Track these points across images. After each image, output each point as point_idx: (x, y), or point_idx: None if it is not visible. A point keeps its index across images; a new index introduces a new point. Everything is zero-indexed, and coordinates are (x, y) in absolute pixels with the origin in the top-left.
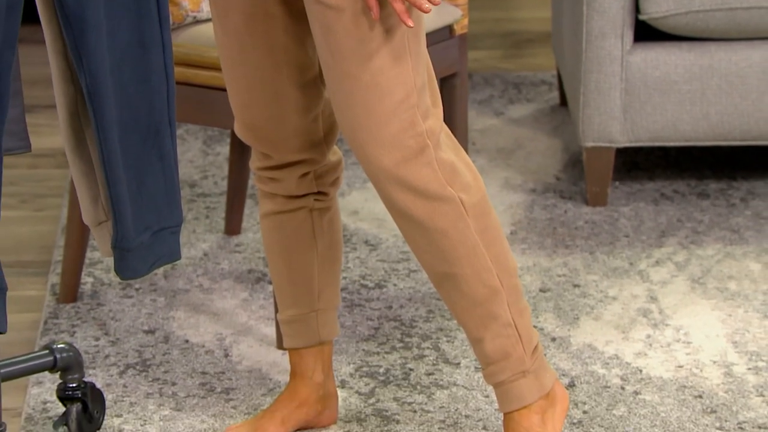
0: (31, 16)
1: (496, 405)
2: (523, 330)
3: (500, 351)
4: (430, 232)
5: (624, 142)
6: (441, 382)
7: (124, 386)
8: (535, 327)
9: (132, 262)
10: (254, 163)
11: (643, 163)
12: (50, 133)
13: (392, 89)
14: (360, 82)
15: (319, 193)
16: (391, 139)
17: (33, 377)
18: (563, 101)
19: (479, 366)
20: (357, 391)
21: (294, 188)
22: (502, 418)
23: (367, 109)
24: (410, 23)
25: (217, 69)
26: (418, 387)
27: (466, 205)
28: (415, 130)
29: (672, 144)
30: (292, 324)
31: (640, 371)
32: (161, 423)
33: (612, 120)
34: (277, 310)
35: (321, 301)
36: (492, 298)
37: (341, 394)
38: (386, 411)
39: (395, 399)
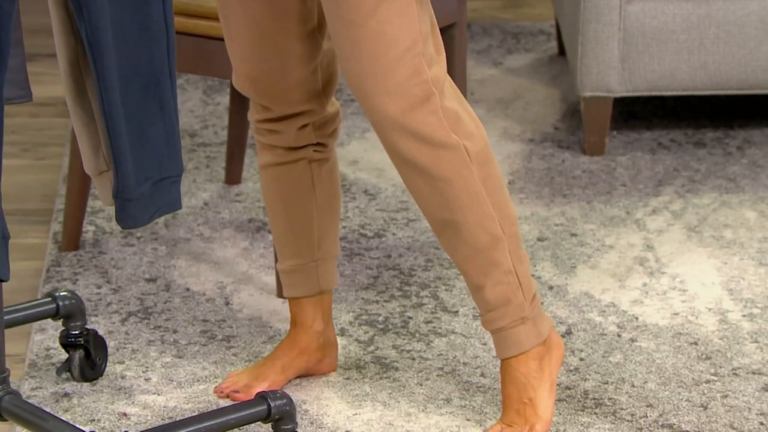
0: None
1: (493, 353)
2: (523, 277)
3: (501, 297)
4: (434, 179)
5: (622, 92)
6: (439, 330)
7: (126, 333)
8: (532, 276)
9: (133, 212)
10: (253, 115)
11: (640, 113)
12: (51, 81)
13: (398, 37)
14: (366, 30)
15: (318, 144)
16: (397, 88)
17: (36, 324)
18: (561, 51)
19: (477, 314)
20: (356, 339)
21: (293, 140)
22: (500, 365)
23: (373, 58)
24: None
25: (217, 19)
26: (417, 335)
27: (470, 152)
28: (421, 77)
29: (669, 93)
30: (292, 274)
31: (636, 319)
32: (163, 370)
33: (610, 70)
34: (276, 260)
35: (321, 250)
36: (494, 245)
37: (341, 342)
38: (385, 359)
39: (394, 347)
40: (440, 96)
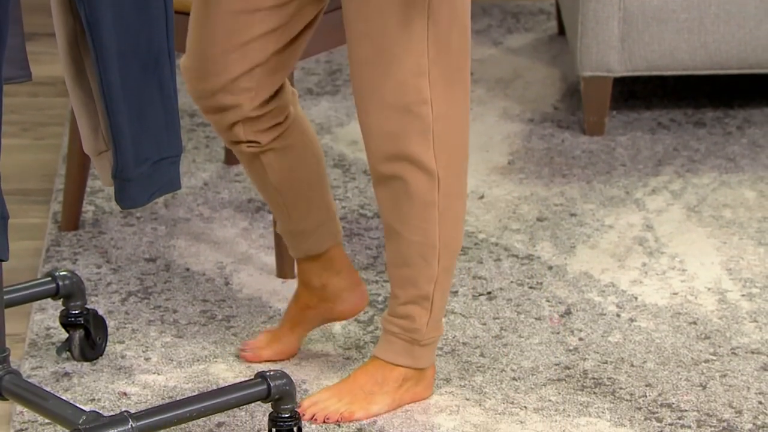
0: None
1: (493, 332)
2: (436, 308)
3: (408, 313)
4: (399, 192)
5: (622, 72)
6: None
7: (126, 313)
8: (532, 256)
9: (132, 192)
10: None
11: (640, 93)
12: (50, 61)
13: (402, 57)
14: (374, 44)
15: (250, 142)
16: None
17: (36, 304)
18: (561, 30)
19: (476, 294)
20: (356, 319)
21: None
22: (370, 356)
23: (379, 73)
24: None
25: None
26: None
27: (441, 183)
28: (421, 96)
29: (669, 73)
30: (285, 235)
31: (636, 299)
32: (163, 350)
33: (610, 49)
34: (275, 227)
35: (323, 212)
36: (422, 271)
37: (341, 322)
38: None
39: None
40: (434, 120)
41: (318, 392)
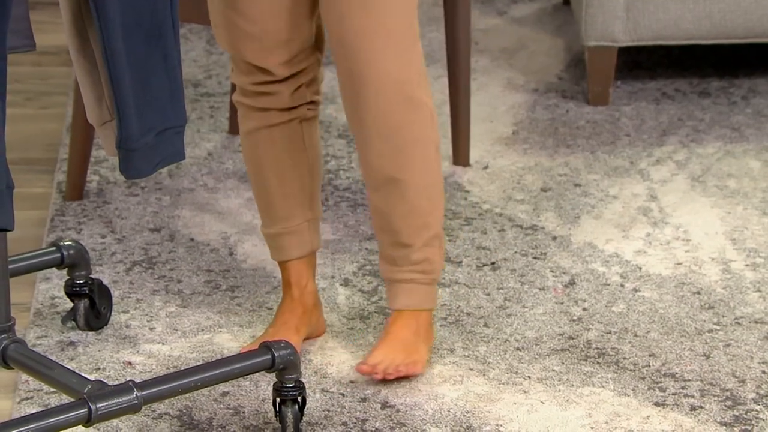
0: None
1: (497, 303)
2: (443, 242)
3: (424, 257)
4: (401, 139)
5: (626, 42)
6: (443, 281)
7: (131, 283)
8: (536, 226)
9: (136, 162)
10: (244, 77)
11: (645, 63)
12: (54, 30)
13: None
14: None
15: (311, 102)
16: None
17: (40, 273)
18: (566, 0)
19: (480, 264)
20: (360, 290)
21: (288, 100)
22: (392, 315)
23: (384, 18)
24: None
25: None
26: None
27: (432, 114)
28: (416, 34)
29: (674, 42)
30: (285, 236)
31: (640, 269)
32: (167, 319)
33: (614, 19)
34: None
35: (311, 210)
36: (432, 212)
37: (345, 292)
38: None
39: None
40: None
41: (371, 355)
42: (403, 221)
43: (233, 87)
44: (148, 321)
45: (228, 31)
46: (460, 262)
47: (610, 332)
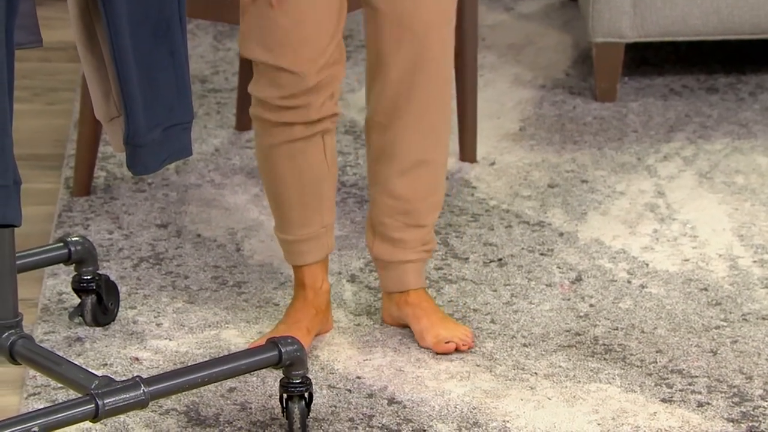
0: None
1: (504, 299)
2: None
3: (432, 235)
4: (440, 116)
5: (634, 38)
6: (450, 277)
7: (138, 279)
8: (543, 222)
9: (144, 158)
10: (274, 91)
11: (652, 59)
12: (61, 26)
13: None
14: None
15: (333, 114)
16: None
17: (48, 269)
18: None
19: (487, 260)
20: (367, 286)
21: (315, 112)
22: (407, 296)
23: None
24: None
25: None
26: (427, 281)
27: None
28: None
29: (682, 38)
30: (305, 242)
31: (647, 265)
32: (174, 315)
33: (622, 15)
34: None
35: (328, 216)
36: (443, 189)
37: (352, 288)
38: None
39: None
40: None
41: (430, 334)
42: (423, 203)
43: (240, 83)
44: (155, 317)
45: (267, 32)
46: (467, 258)
47: (617, 328)
